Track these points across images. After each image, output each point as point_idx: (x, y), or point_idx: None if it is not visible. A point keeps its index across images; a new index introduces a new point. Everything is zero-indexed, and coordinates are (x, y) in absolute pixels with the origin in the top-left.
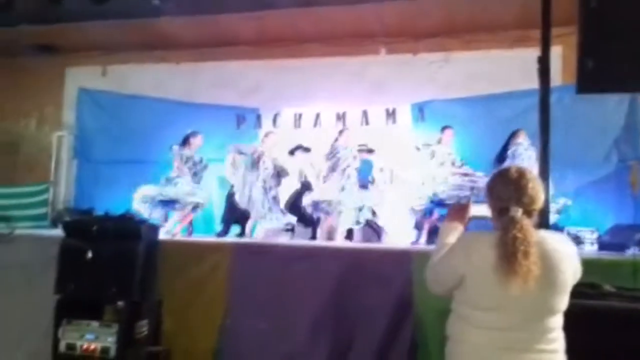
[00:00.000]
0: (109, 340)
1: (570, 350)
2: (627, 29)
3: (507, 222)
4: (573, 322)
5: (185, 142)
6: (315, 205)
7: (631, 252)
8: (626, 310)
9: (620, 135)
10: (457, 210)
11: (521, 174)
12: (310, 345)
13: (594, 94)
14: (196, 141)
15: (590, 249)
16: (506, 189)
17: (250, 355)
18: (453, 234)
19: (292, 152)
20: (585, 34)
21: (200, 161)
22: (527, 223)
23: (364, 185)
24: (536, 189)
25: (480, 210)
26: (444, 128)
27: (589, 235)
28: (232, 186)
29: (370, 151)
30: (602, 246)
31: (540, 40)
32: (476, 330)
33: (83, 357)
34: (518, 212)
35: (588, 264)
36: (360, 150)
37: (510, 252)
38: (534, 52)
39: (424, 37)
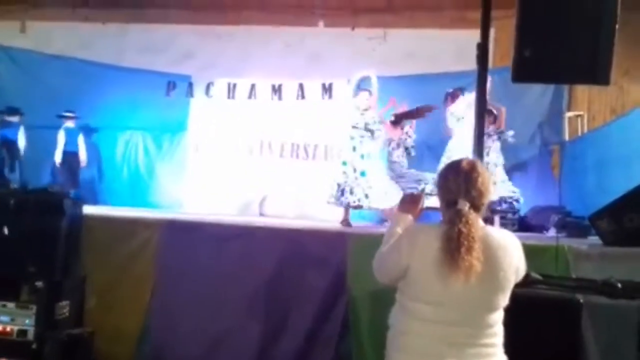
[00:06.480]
0: (27, 322)
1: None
2: (565, 20)
3: (453, 215)
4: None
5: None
6: None
7: (550, 235)
8: (554, 298)
9: (544, 120)
10: (409, 200)
11: (472, 166)
12: (242, 324)
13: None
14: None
15: (512, 229)
16: (455, 181)
17: (179, 334)
18: (403, 224)
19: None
20: (523, 23)
21: None
22: (474, 217)
23: None
24: (485, 184)
25: (433, 201)
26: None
27: (511, 216)
28: None
29: (72, 118)
30: (522, 227)
31: (480, 28)
32: (419, 322)
33: None
34: (465, 206)
35: None
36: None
37: (453, 246)
38: (470, 35)
39: (363, 12)
